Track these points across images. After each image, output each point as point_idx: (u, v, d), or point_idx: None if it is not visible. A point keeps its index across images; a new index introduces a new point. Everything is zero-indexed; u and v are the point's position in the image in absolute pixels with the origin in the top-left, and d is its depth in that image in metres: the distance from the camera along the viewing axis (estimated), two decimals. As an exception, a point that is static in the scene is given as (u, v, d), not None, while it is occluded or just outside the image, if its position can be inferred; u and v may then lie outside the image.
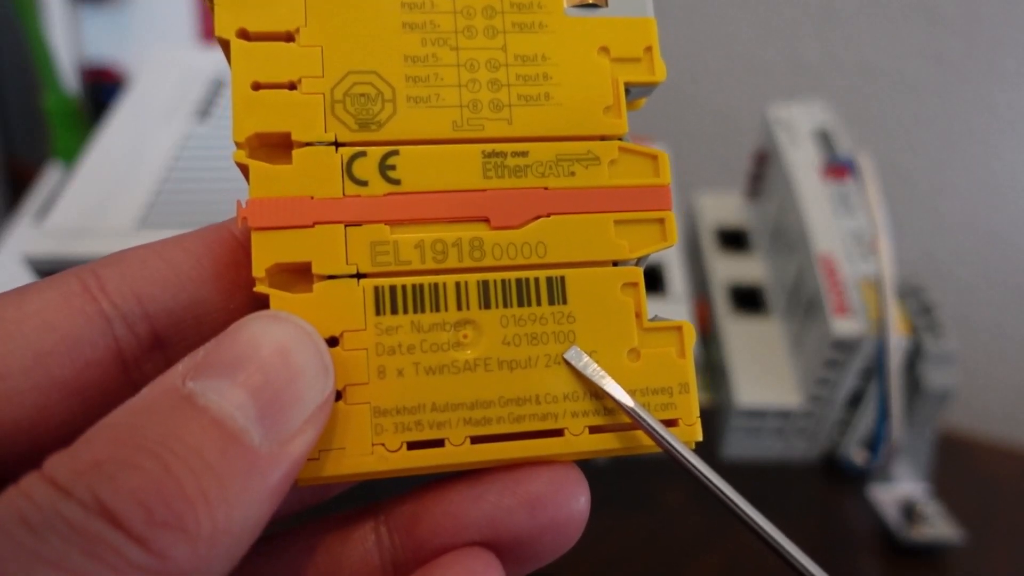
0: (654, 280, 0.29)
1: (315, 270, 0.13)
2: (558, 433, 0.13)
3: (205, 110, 0.30)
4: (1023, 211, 0.46)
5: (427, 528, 0.13)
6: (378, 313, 0.13)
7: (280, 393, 0.11)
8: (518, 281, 0.13)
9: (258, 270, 0.13)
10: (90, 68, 0.45)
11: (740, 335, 0.31)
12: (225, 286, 0.13)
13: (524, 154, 0.14)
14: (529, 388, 0.13)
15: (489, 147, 0.14)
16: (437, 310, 0.13)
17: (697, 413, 0.14)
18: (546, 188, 0.14)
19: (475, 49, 0.14)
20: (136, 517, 0.10)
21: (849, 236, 0.29)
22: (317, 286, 0.13)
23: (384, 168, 0.13)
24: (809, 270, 0.29)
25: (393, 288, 0.13)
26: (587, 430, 0.13)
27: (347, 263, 0.13)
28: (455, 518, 0.13)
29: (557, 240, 0.14)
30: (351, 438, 0.13)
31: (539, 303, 0.13)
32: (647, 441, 0.13)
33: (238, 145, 0.13)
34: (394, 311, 0.13)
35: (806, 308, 0.29)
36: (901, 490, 0.33)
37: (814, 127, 0.33)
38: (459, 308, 0.13)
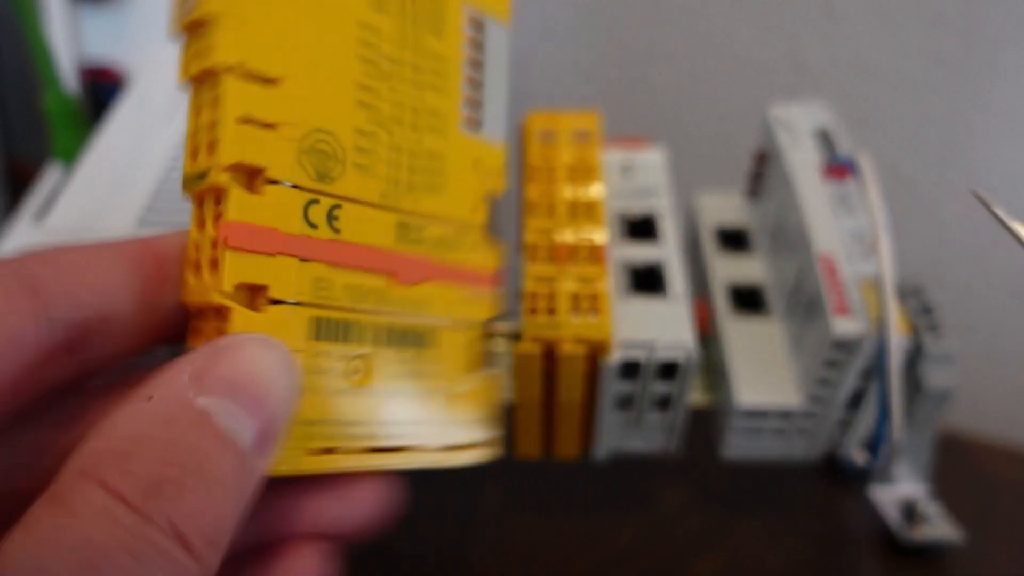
0: (654, 280, 0.29)
1: (270, 294, 0.15)
2: (402, 449, 0.17)
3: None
4: None
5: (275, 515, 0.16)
6: (316, 339, 0.15)
7: (277, 423, 0.13)
8: (407, 328, 0.17)
9: (228, 285, 0.14)
10: (90, 68, 0.44)
11: (740, 335, 0.31)
12: (147, 299, 0.15)
13: (422, 229, 0.17)
14: (397, 414, 0.16)
15: (402, 218, 0.17)
16: (348, 342, 0.16)
17: (498, 437, 0.19)
18: (432, 258, 0.18)
19: (402, 137, 0.17)
20: (198, 540, 0.11)
21: (849, 236, 0.29)
22: (271, 308, 0.15)
23: (330, 217, 0.16)
24: (809, 270, 0.29)
25: (329, 319, 0.15)
26: (438, 449, 0.17)
27: (296, 292, 0.15)
28: (302, 512, 0.16)
29: (435, 301, 0.18)
30: (287, 445, 0.15)
31: (419, 346, 0.17)
32: (463, 460, 0.18)
33: (223, 169, 0.14)
34: (321, 338, 0.15)
35: (806, 308, 0.29)
36: (901, 490, 0.33)
37: (814, 127, 0.33)
38: (363, 343, 0.16)
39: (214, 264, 0.14)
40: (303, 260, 0.15)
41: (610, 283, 0.28)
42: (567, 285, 0.28)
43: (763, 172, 0.35)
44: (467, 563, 0.33)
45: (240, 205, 0.14)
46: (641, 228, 0.32)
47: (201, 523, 0.11)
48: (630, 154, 0.34)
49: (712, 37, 0.50)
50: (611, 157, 0.34)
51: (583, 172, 0.32)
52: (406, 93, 0.17)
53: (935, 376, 0.30)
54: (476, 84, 0.18)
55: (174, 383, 0.12)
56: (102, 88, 0.44)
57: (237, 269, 0.14)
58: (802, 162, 0.31)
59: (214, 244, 0.14)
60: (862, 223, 0.29)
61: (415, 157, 0.17)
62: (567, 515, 0.35)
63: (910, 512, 0.32)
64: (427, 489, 0.36)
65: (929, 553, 0.32)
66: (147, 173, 0.27)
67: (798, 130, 0.33)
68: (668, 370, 0.28)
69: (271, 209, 0.15)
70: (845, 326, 0.26)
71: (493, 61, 0.19)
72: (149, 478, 0.11)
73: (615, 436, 0.30)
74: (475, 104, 0.18)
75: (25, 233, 0.33)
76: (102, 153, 0.28)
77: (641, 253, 0.30)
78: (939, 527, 0.32)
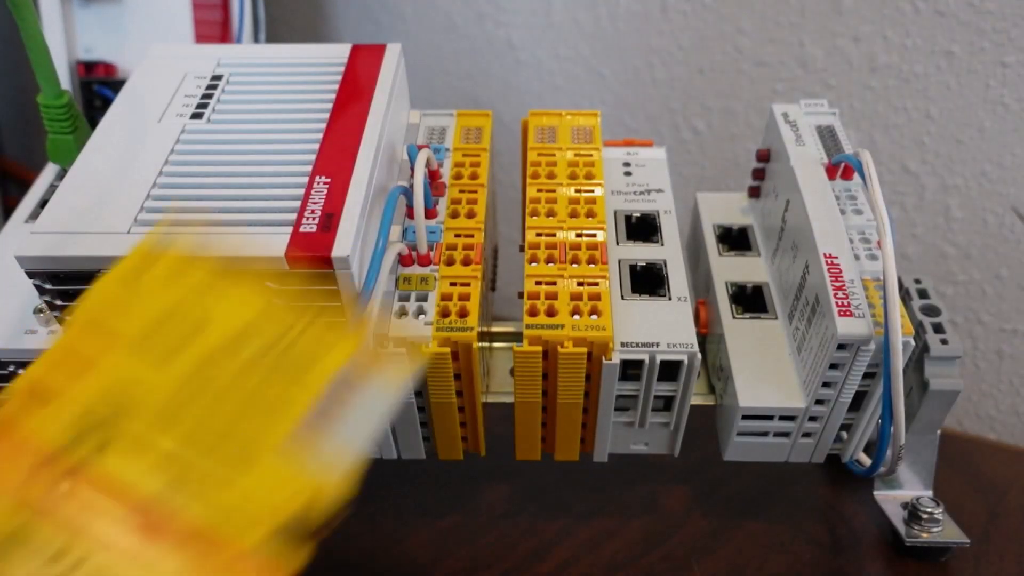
0: (655, 280, 0.29)
1: None
2: None
3: (201, 108, 0.30)
4: (1027, 209, 0.46)
5: None
6: None
7: None
8: None
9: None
10: (85, 67, 0.44)
11: (742, 336, 0.30)
12: None
13: None
14: None
15: None
16: None
17: None
18: None
19: None
20: None
21: (854, 235, 0.29)
22: None
23: None
24: (813, 270, 0.28)
25: None
26: None
27: None
28: None
29: None
30: None
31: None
32: None
33: None
34: None
35: (810, 308, 0.28)
36: (905, 492, 0.32)
37: (818, 125, 0.33)
38: None
39: None
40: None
41: (610, 283, 0.28)
42: (568, 286, 0.27)
43: (766, 171, 0.34)
44: (467, 564, 0.33)
45: None
46: (642, 228, 0.31)
47: None
48: (631, 153, 0.34)
49: (717, 35, 0.50)
50: (612, 156, 0.34)
51: (584, 171, 0.31)
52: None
53: (940, 377, 0.29)
54: None
55: None
56: (98, 87, 0.44)
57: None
58: (806, 160, 0.31)
59: None
60: (866, 222, 0.29)
61: None
62: (567, 517, 0.35)
63: (914, 514, 0.32)
64: (427, 490, 0.36)
65: (934, 554, 0.32)
66: (142, 173, 0.27)
67: (802, 128, 0.33)
68: (670, 371, 0.27)
69: None
70: (850, 327, 0.26)
71: None
72: None
73: (616, 437, 0.30)
74: None
75: (19, 234, 0.32)
76: (97, 152, 0.28)
77: (642, 253, 0.30)
78: (943, 529, 0.31)
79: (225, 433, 0.19)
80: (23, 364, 0.28)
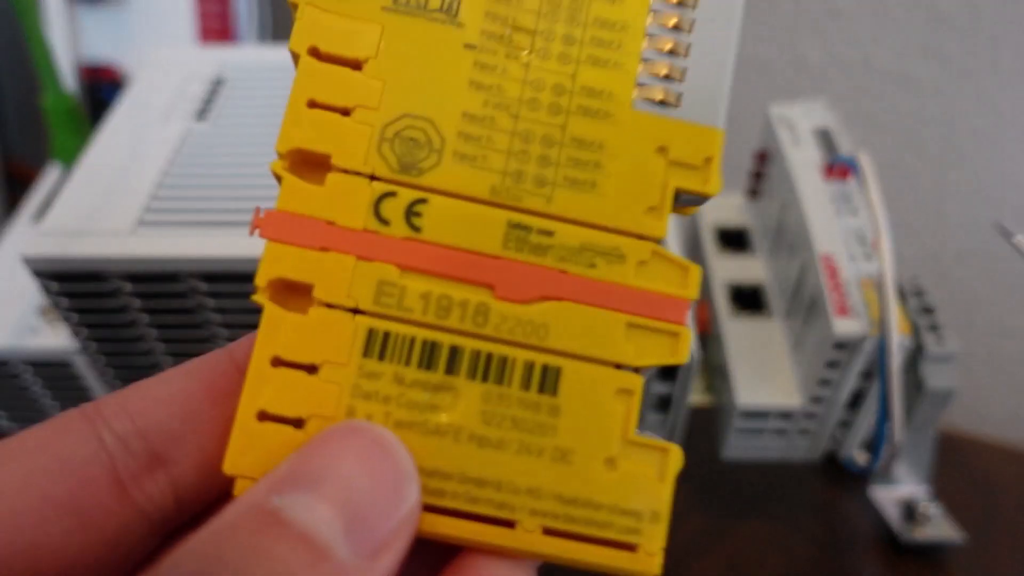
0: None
1: (315, 294, 0.13)
2: (509, 524, 0.13)
3: (204, 110, 0.30)
4: (1024, 210, 0.46)
5: None
6: (365, 355, 0.13)
7: (365, 506, 0.11)
8: (513, 360, 0.13)
9: (260, 279, 0.13)
10: (89, 68, 0.44)
11: (741, 335, 0.31)
12: (219, 398, 0.13)
13: (550, 233, 0.13)
14: (493, 472, 0.13)
15: (517, 217, 0.13)
16: (424, 368, 0.13)
17: (662, 545, 0.13)
18: (563, 272, 0.13)
19: (534, 122, 0.14)
20: None
21: (851, 236, 0.29)
22: (313, 310, 0.13)
23: (410, 213, 0.13)
24: (810, 270, 0.28)
25: (387, 334, 0.13)
26: (540, 530, 0.13)
27: (348, 296, 0.13)
28: None
29: (561, 327, 0.13)
30: None
31: (528, 388, 0.13)
32: (602, 560, 0.13)
33: (279, 156, 0.13)
34: (381, 357, 0.13)
35: (807, 308, 0.29)
36: (902, 490, 0.33)
37: (815, 126, 0.33)
38: (447, 372, 0.13)
39: None
40: (363, 259, 0.13)
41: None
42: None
43: (764, 172, 0.35)
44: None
45: (291, 194, 0.13)
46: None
47: None
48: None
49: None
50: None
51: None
52: (548, 70, 0.14)
53: (936, 376, 0.30)
54: (677, 49, 0.14)
55: (251, 492, 0.11)
56: (102, 88, 0.44)
57: (272, 263, 0.13)
58: (803, 162, 0.31)
59: None
60: (863, 223, 0.29)
61: (552, 146, 0.13)
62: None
63: (911, 512, 0.32)
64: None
65: (930, 553, 0.32)
66: (146, 173, 0.27)
67: (799, 129, 0.33)
68: (668, 371, 0.28)
69: (329, 200, 0.13)
70: (846, 326, 0.26)
71: (712, 14, 0.15)
72: None
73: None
74: (671, 75, 0.14)
75: (24, 234, 0.33)
76: (101, 153, 0.28)
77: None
78: (940, 527, 0.32)
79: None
80: (27, 363, 0.29)
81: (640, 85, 0.14)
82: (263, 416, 0.12)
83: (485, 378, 0.13)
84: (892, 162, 0.47)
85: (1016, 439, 0.40)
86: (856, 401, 0.29)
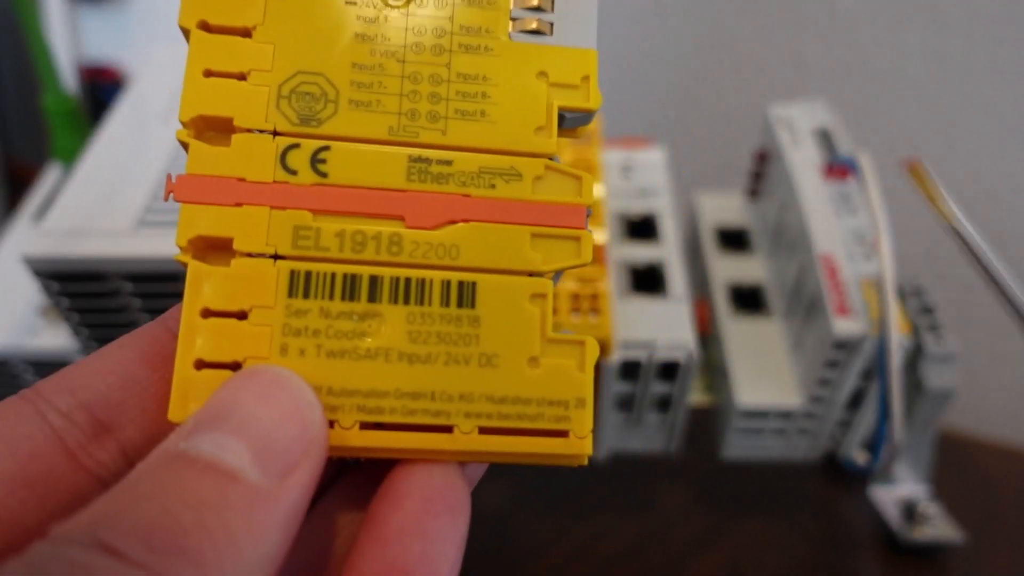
0: (654, 280, 0.29)
1: (235, 246, 0.14)
2: (448, 430, 0.14)
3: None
4: (1024, 210, 0.46)
5: None
6: (290, 295, 0.14)
7: (269, 434, 0.12)
8: (430, 281, 0.14)
9: (180, 239, 0.13)
10: (90, 68, 0.44)
11: (740, 335, 0.31)
12: (157, 363, 0.14)
13: (448, 163, 0.14)
14: (426, 384, 0.14)
15: (416, 152, 0.14)
16: (348, 299, 0.14)
17: (590, 427, 0.14)
18: (466, 195, 0.14)
19: (420, 64, 0.15)
20: (136, 548, 0.10)
21: (850, 236, 0.29)
22: (235, 261, 0.14)
23: (314, 161, 0.14)
24: (810, 270, 0.28)
25: (308, 273, 0.14)
26: (477, 430, 0.14)
27: (266, 243, 0.14)
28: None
29: (470, 246, 0.14)
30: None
31: (447, 304, 0.14)
32: (538, 448, 0.14)
33: (183, 125, 0.14)
34: (306, 295, 0.14)
35: (807, 308, 0.29)
36: (902, 490, 0.33)
37: (815, 126, 0.33)
38: (370, 300, 0.14)
39: None
40: (277, 208, 0.14)
41: (610, 283, 0.28)
42: (567, 285, 0.27)
43: (763, 172, 0.35)
44: (466, 564, 0.33)
45: (199, 158, 0.14)
46: (641, 228, 0.31)
47: (145, 535, 0.10)
48: (630, 154, 0.34)
49: (713, 36, 0.50)
50: (611, 157, 0.34)
51: (583, 172, 0.32)
52: (427, 15, 0.15)
53: (935, 376, 0.30)
54: None
55: (163, 444, 0.12)
56: (102, 88, 0.44)
57: (189, 223, 0.14)
58: (803, 162, 0.31)
59: None
60: (863, 223, 0.29)
61: (440, 83, 0.15)
62: (566, 516, 0.35)
63: (910, 512, 0.32)
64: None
65: (929, 553, 0.32)
66: (146, 173, 0.27)
67: (799, 130, 0.33)
68: (668, 370, 0.28)
69: (237, 159, 0.14)
70: (846, 326, 0.26)
71: None
72: (90, 514, 0.10)
73: (615, 436, 0.30)
74: (542, 6, 0.15)
75: (24, 233, 0.33)
76: (102, 153, 0.28)
77: (641, 253, 0.30)
78: (939, 527, 0.32)
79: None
80: (27, 363, 0.29)
81: (514, 19, 0.15)
82: (200, 364, 0.13)
83: (407, 301, 0.14)
84: (891, 162, 0.47)
85: (1016, 439, 0.40)
86: (856, 401, 0.29)
